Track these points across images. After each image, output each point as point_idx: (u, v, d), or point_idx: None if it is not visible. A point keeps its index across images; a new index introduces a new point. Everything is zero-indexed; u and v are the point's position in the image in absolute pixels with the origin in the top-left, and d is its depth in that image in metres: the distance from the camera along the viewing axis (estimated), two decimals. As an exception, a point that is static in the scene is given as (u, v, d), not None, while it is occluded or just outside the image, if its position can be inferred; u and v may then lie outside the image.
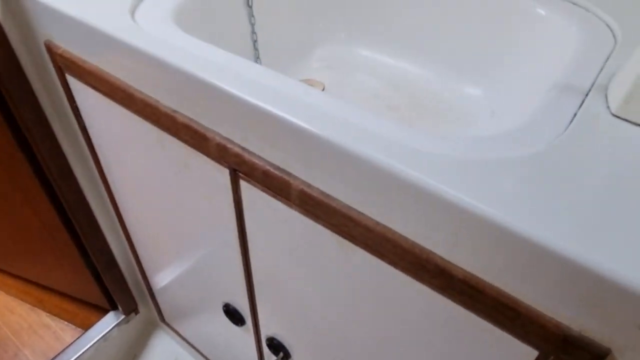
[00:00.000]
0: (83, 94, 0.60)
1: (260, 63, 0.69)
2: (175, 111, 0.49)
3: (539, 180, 0.33)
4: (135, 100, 0.51)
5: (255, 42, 0.68)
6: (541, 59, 0.58)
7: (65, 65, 0.58)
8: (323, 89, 0.68)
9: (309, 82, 0.70)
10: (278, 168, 0.43)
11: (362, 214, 0.39)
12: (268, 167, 0.43)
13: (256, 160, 0.44)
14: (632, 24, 0.52)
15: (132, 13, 0.52)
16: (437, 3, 0.65)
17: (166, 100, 0.49)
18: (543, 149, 0.35)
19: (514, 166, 0.34)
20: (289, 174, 0.42)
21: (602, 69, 0.46)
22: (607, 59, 0.48)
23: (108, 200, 0.80)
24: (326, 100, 0.40)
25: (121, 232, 0.87)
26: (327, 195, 0.40)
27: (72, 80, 0.60)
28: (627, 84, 0.38)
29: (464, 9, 0.64)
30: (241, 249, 0.57)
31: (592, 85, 0.43)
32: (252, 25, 0.67)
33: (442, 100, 0.66)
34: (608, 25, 0.54)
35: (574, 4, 0.58)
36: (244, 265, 0.59)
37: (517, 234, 0.30)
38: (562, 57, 0.52)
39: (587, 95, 0.42)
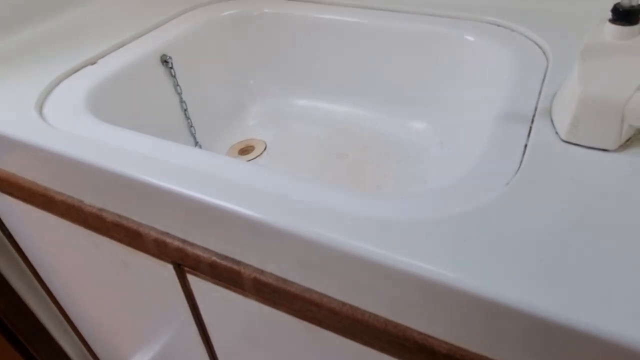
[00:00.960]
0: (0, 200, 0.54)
1: (195, 132, 0.65)
2: (102, 209, 0.44)
3: (501, 233, 0.30)
4: (57, 203, 0.46)
5: (185, 110, 0.64)
6: (479, 84, 0.57)
7: (-27, 174, 0.52)
8: (265, 148, 0.65)
9: (250, 143, 0.66)
10: (226, 258, 0.38)
11: (325, 295, 0.35)
12: (214, 259, 0.39)
13: (200, 253, 0.39)
14: (559, 39, 0.52)
15: (40, 109, 0.48)
16: (365, 44, 0.64)
17: (90, 199, 0.44)
18: (501, 194, 0.33)
19: (473, 221, 0.31)
20: (238, 262, 0.38)
21: (541, 91, 0.45)
22: (544, 79, 0.47)
23: (53, 305, 0.72)
24: (264, 177, 0.36)
25: (74, 335, 0.79)
26: (284, 280, 0.36)
27: (-15, 189, 0.54)
28: (571, 108, 0.36)
29: (394, 45, 0.63)
30: (203, 341, 0.51)
31: (535, 110, 0.42)
32: (180, 94, 0.64)
33: (389, 138, 0.64)
34: (537, 44, 0.53)
35: (499, 25, 0.58)
36: (209, 357, 0.53)
37: (487, 299, 0.27)
38: (499, 80, 0.51)
39: (532, 121, 0.41)
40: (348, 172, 0.60)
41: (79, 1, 0.70)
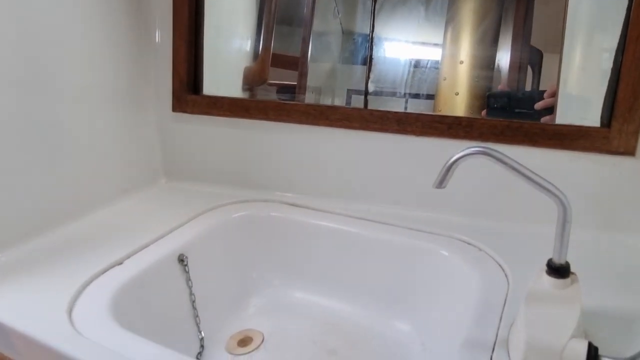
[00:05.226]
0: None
1: (199, 321, 0.71)
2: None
3: None
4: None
5: (193, 302, 0.72)
6: (452, 293, 0.65)
7: (-4, 366, 0.57)
8: (262, 340, 0.71)
9: (248, 334, 0.72)
10: None
11: None
12: None
13: None
14: (517, 260, 0.61)
15: (69, 312, 0.55)
16: (356, 249, 0.74)
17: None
18: None
19: None
20: None
21: (502, 316, 0.52)
22: (505, 302, 0.55)
23: None
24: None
25: None
26: None
27: (2, 380, 0.58)
28: (521, 348, 0.43)
29: (380, 252, 0.72)
30: None
31: (496, 337, 0.49)
32: (190, 287, 0.71)
33: (375, 336, 0.70)
34: (498, 264, 0.63)
35: (468, 244, 0.68)
36: None
37: None
38: (469, 294, 0.59)
39: (493, 350, 0.47)
40: (337, 370, 0.65)
41: (106, 202, 0.81)
